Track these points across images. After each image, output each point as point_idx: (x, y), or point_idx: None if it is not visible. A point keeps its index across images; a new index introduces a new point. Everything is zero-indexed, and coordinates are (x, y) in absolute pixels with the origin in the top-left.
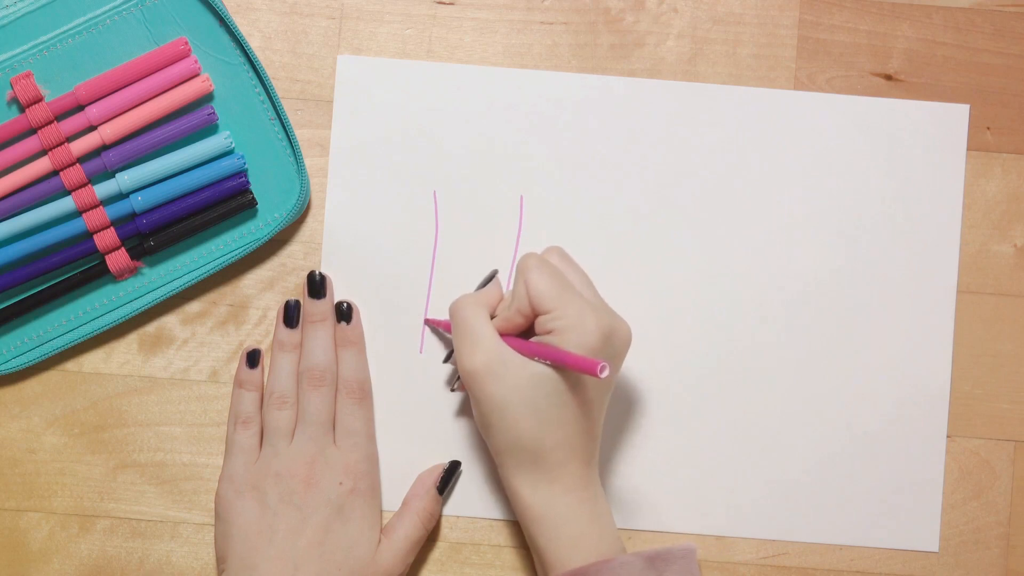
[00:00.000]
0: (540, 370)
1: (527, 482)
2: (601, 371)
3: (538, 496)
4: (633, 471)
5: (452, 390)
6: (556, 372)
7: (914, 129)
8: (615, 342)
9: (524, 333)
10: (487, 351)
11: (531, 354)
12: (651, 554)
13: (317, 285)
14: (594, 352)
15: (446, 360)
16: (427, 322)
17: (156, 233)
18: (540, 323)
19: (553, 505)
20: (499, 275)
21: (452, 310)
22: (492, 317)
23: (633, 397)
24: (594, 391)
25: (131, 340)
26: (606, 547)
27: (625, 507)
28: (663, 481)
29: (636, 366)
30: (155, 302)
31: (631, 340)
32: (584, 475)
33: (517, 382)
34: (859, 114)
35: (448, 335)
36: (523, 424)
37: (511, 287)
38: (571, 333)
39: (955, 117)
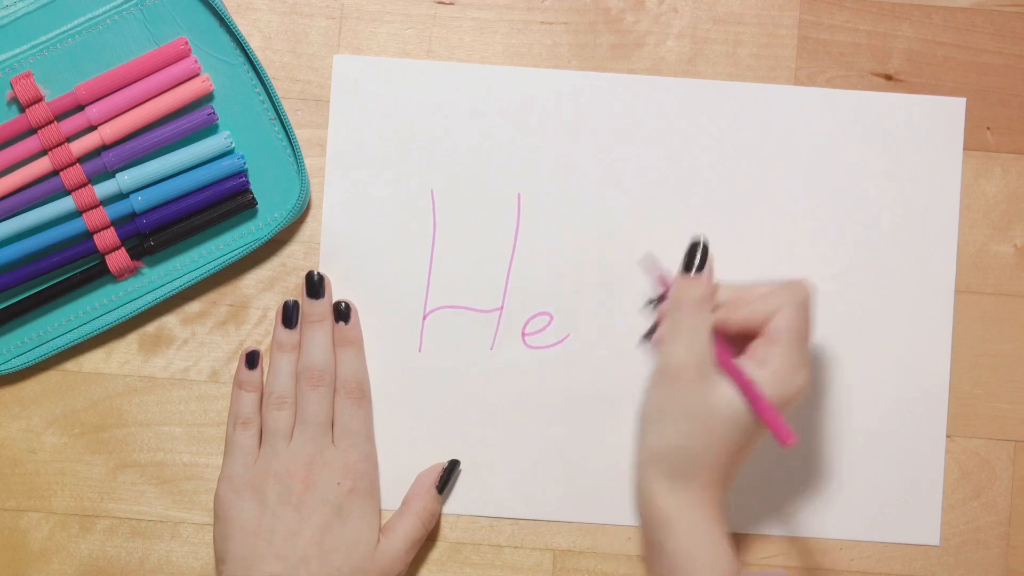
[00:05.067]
0: (732, 395)
1: (669, 488)
2: (791, 444)
3: (677, 503)
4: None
5: (643, 338)
6: (744, 404)
7: (911, 123)
8: (800, 399)
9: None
10: (702, 357)
11: (733, 378)
12: None
13: (315, 285)
14: (785, 403)
15: (650, 302)
16: (649, 263)
17: (156, 233)
18: (756, 350)
19: (691, 516)
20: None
21: (678, 302)
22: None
23: (633, 395)
24: (762, 437)
25: (131, 340)
26: (723, 565)
27: (629, 505)
28: None
29: (636, 364)
30: (155, 302)
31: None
32: (720, 499)
33: (709, 397)
34: (856, 109)
35: (657, 281)
36: (694, 437)
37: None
38: (780, 379)
39: (952, 111)
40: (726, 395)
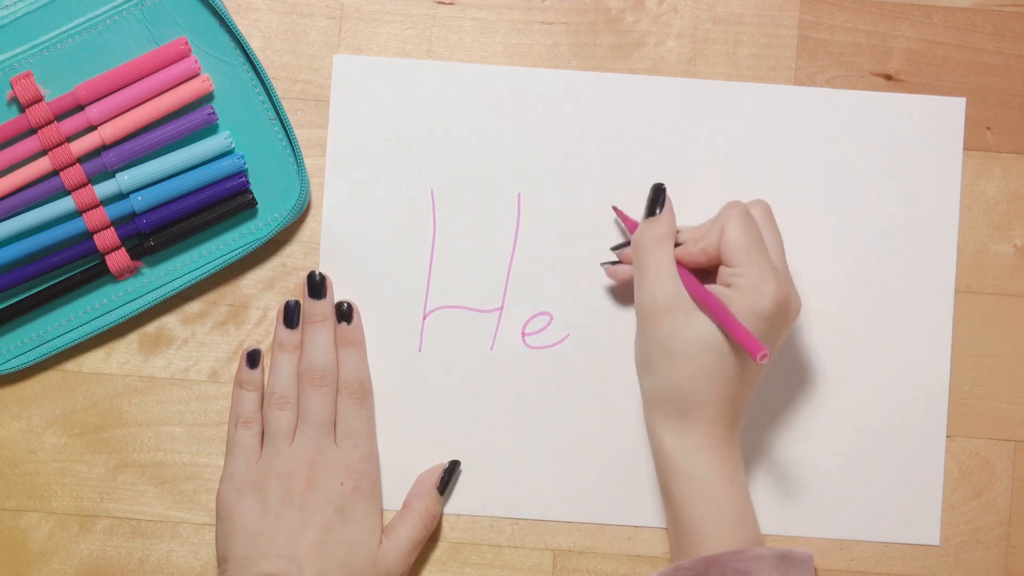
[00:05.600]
0: (706, 324)
1: (671, 431)
2: (761, 357)
3: (680, 447)
4: (636, 468)
5: (602, 264)
6: (720, 330)
7: (911, 123)
8: (787, 313)
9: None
10: (669, 292)
11: (703, 304)
12: (781, 552)
13: (317, 285)
14: (765, 318)
15: (615, 248)
16: (615, 210)
17: (156, 233)
18: (722, 274)
19: (693, 459)
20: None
21: (640, 243)
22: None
23: (633, 394)
24: (757, 365)
25: (131, 340)
26: (739, 512)
27: (629, 505)
28: None
29: (632, 363)
30: (155, 302)
31: (799, 314)
32: (727, 437)
33: (688, 330)
34: (856, 109)
35: (624, 227)
36: (683, 373)
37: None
38: (748, 294)
39: (952, 111)
40: (700, 325)
